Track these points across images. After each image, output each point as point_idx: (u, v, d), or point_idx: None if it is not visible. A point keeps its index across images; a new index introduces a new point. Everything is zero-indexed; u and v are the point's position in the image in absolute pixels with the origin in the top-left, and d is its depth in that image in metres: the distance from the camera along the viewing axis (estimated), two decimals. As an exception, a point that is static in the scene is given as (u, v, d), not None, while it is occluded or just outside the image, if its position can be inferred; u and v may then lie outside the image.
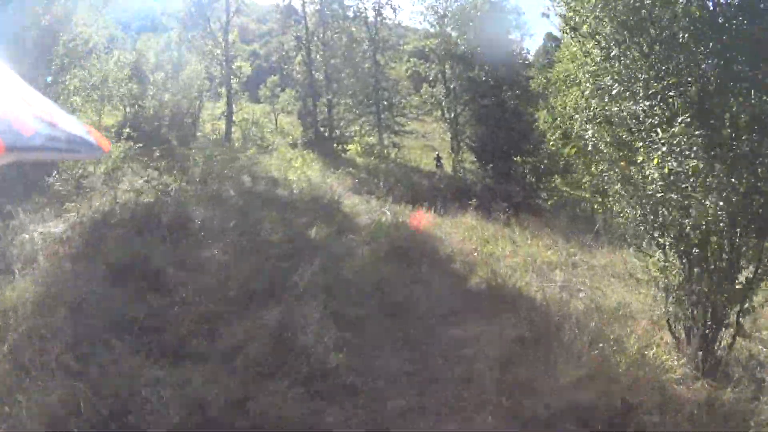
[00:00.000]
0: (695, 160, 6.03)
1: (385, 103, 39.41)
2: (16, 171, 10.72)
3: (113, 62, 21.23)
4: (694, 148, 6.06)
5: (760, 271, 6.63)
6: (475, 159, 34.03)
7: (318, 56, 33.63)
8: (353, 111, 36.65)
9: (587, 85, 7.53)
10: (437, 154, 45.25)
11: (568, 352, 6.75)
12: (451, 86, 40.16)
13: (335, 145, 32.73)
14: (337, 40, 33.92)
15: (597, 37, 7.13)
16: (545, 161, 24.77)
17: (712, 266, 6.77)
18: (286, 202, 14.24)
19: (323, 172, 21.68)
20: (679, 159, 6.15)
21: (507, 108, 31.94)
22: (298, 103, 35.98)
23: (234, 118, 29.69)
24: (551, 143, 9.96)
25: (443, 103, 40.45)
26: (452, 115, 40.78)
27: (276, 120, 44.81)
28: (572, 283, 10.50)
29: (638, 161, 6.78)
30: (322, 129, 33.73)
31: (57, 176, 12.28)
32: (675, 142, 6.08)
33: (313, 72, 33.70)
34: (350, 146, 34.92)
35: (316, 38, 33.48)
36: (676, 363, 7.07)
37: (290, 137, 34.62)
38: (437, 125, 49.38)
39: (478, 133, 34.17)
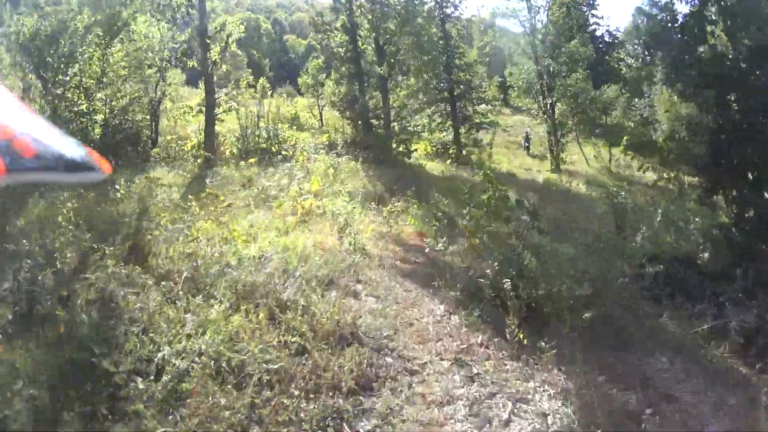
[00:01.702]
0: None
1: (462, 87, 28.74)
2: None
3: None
4: None
5: None
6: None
7: (365, 20, 23.25)
8: (418, 96, 26.24)
9: None
10: (526, 134, 34.42)
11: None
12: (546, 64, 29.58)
13: (394, 146, 22.42)
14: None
15: None
16: None
17: None
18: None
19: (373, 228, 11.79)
20: None
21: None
22: (341, 86, 25.25)
23: (237, 115, 19.91)
24: None
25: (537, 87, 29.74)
26: (550, 102, 30.03)
27: (321, 114, 34.94)
28: None
29: None
30: (374, 122, 23.42)
31: None
32: None
33: (359, 42, 23.48)
34: (417, 146, 24.63)
35: (361, -6, 23.21)
36: None
37: (328, 136, 24.43)
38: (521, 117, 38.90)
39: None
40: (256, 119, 20.28)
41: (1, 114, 1.08)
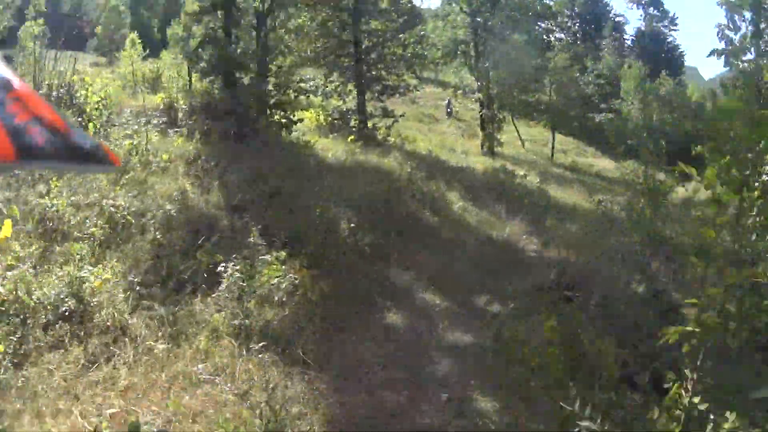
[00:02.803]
0: None
1: (373, 38, 20.93)
2: None
3: None
4: None
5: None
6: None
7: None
8: (309, 43, 18.30)
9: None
10: (448, 101, 27.97)
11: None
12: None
13: (268, 115, 14.49)
14: None
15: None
16: None
17: None
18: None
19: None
20: None
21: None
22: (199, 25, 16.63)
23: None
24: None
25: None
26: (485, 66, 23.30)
27: (190, 73, 25.89)
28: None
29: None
30: (238, 76, 15.20)
31: None
32: None
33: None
34: (304, 114, 16.86)
35: None
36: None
37: (165, 95, 16.08)
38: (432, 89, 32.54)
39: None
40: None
41: (17, 101, 1.07)
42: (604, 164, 29.02)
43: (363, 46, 20.56)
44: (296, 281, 7.48)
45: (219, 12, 15.08)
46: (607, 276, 9.45)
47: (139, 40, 29.04)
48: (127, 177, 9.45)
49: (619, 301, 8.35)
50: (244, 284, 7.19)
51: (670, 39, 48.33)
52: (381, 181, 12.59)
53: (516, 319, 7.85)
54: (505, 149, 24.76)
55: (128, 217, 8.34)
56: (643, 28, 48.36)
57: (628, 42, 48.75)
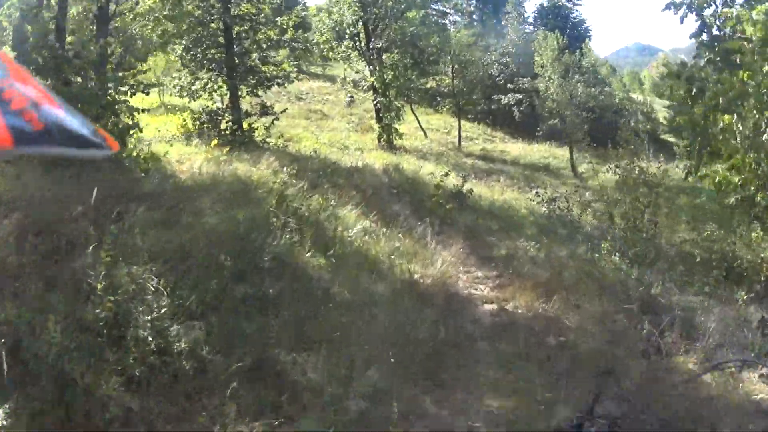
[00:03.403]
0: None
1: (246, 23, 17.69)
2: None
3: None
4: None
5: None
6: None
7: None
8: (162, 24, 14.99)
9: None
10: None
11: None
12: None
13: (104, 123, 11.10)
14: None
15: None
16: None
17: None
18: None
19: None
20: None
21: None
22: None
23: None
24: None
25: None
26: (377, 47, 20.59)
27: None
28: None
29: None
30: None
31: None
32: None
33: None
34: (153, 120, 13.87)
35: None
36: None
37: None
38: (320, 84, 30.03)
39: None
40: None
41: (14, 85, 1.06)
42: (518, 150, 26.94)
43: (234, 30, 17.27)
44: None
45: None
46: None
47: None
48: None
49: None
50: None
51: (574, 14, 47.27)
52: (243, 203, 8.93)
53: None
54: (406, 141, 22.09)
55: None
56: (545, 4, 47.02)
57: (530, 20, 47.26)
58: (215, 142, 13.91)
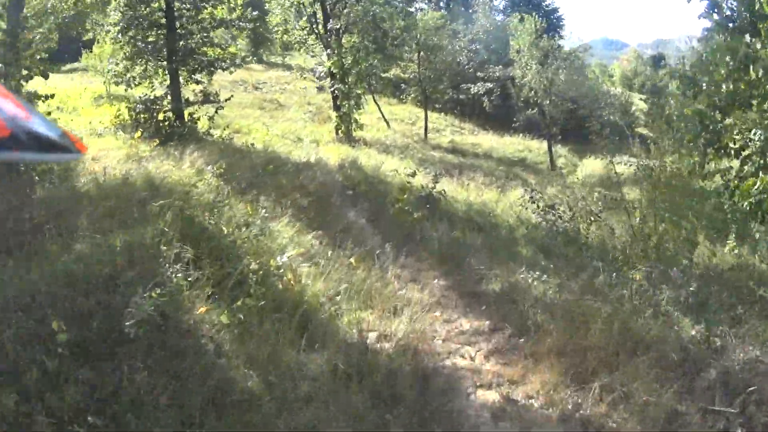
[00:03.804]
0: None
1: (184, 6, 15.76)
2: None
3: None
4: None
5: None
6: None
7: None
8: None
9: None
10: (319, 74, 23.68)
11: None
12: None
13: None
14: None
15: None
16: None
17: None
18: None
19: None
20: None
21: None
22: None
23: None
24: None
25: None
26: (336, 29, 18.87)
27: None
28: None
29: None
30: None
31: None
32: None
33: None
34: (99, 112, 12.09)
35: None
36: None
37: None
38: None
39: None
40: None
41: None
42: (489, 142, 25.47)
43: (174, 8, 15.34)
44: None
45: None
46: None
47: None
48: None
49: None
50: None
51: (547, 2, 45.75)
52: (133, 220, 6.36)
53: None
54: (367, 132, 20.42)
55: None
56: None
57: (500, 7, 45.59)
58: (138, 134, 12.05)
